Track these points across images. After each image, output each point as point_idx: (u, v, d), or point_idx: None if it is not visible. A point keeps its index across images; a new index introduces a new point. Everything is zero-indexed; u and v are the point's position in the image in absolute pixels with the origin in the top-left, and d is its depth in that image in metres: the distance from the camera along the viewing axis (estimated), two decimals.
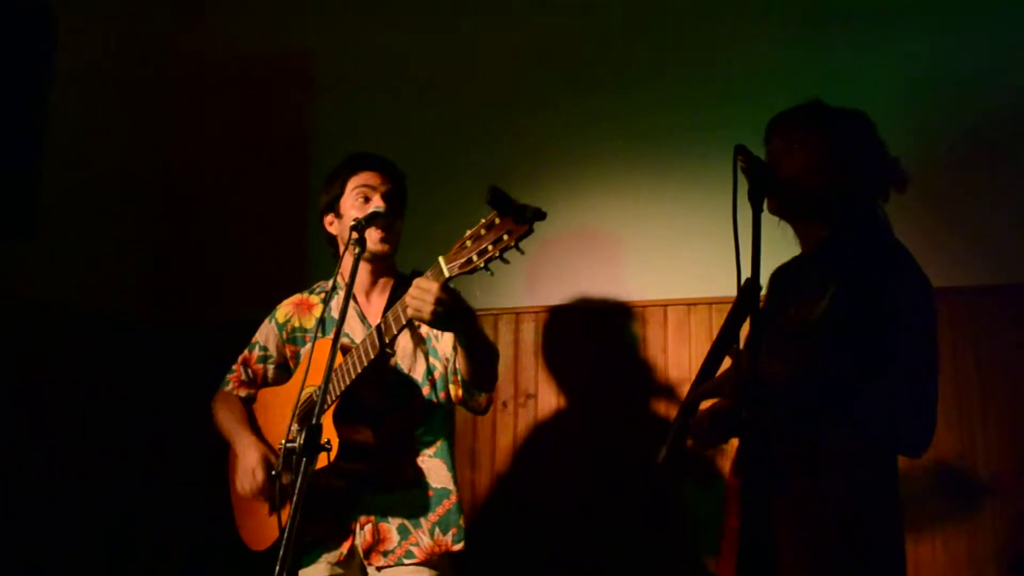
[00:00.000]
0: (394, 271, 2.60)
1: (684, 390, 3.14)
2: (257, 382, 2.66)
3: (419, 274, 2.55)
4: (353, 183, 2.52)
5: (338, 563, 2.40)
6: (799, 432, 1.99)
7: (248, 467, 2.44)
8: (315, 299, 2.64)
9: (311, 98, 3.83)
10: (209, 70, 3.95)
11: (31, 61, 2.80)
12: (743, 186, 2.00)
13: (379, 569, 2.38)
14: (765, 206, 2.01)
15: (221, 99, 3.94)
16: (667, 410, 3.15)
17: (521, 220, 1.92)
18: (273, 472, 2.35)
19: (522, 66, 3.56)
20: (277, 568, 1.75)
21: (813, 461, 1.97)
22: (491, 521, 3.25)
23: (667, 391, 3.17)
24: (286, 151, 3.82)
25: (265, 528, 2.47)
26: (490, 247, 1.96)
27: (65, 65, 3.01)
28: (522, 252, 1.96)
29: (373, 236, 2.41)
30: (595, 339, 3.32)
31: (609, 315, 3.30)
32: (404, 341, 2.48)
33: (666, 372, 3.19)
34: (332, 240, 2.61)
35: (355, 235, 2.27)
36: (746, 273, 1.93)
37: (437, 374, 2.46)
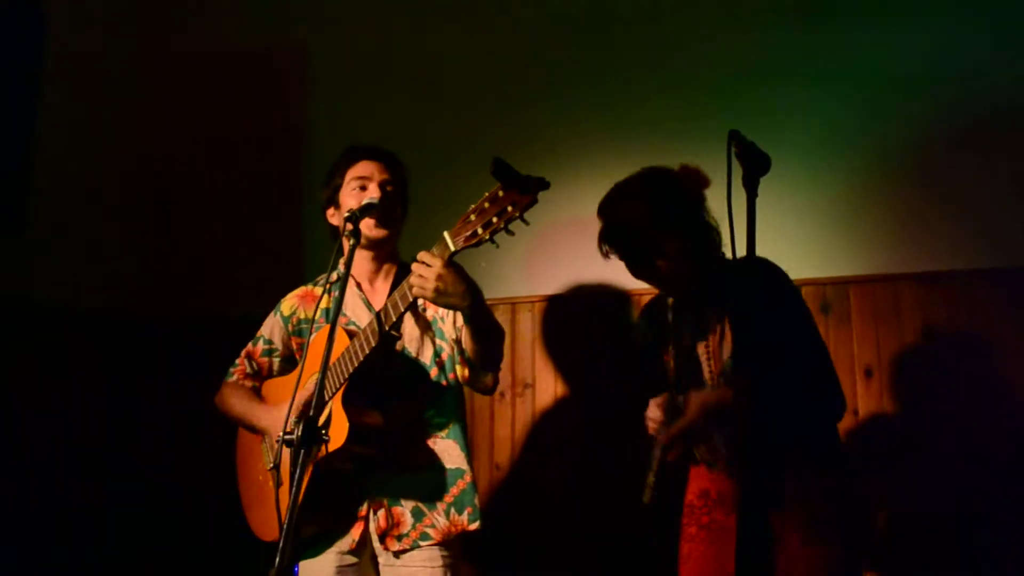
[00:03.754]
0: (396, 258, 2.61)
1: None
2: (262, 375, 2.66)
3: None
4: (351, 174, 2.54)
5: (350, 551, 2.40)
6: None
7: (269, 426, 2.45)
8: (319, 290, 2.65)
9: (303, 92, 3.83)
10: (201, 65, 3.94)
11: (21, 57, 2.79)
12: (737, 172, 2.00)
13: (396, 554, 2.38)
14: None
15: (213, 94, 3.94)
16: None
17: (525, 191, 1.95)
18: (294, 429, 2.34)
19: (515, 56, 3.56)
20: (277, 559, 1.75)
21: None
22: (490, 511, 3.24)
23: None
24: (279, 145, 3.82)
25: (275, 517, 2.46)
26: (495, 219, 1.98)
27: (56, 61, 3.00)
28: (527, 223, 1.99)
29: (368, 224, 2.42)
30: (592, 328, 3.32)
31: (605, 303, 3.30)
32: (410, 325, 2.48)
33: None
34: (335, 232, 2.62)
35: (350, 226, 2.28)
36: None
37: (444, 355, 2.47)
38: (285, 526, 1.79)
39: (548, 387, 3.31)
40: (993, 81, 3.00)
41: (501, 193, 1.97)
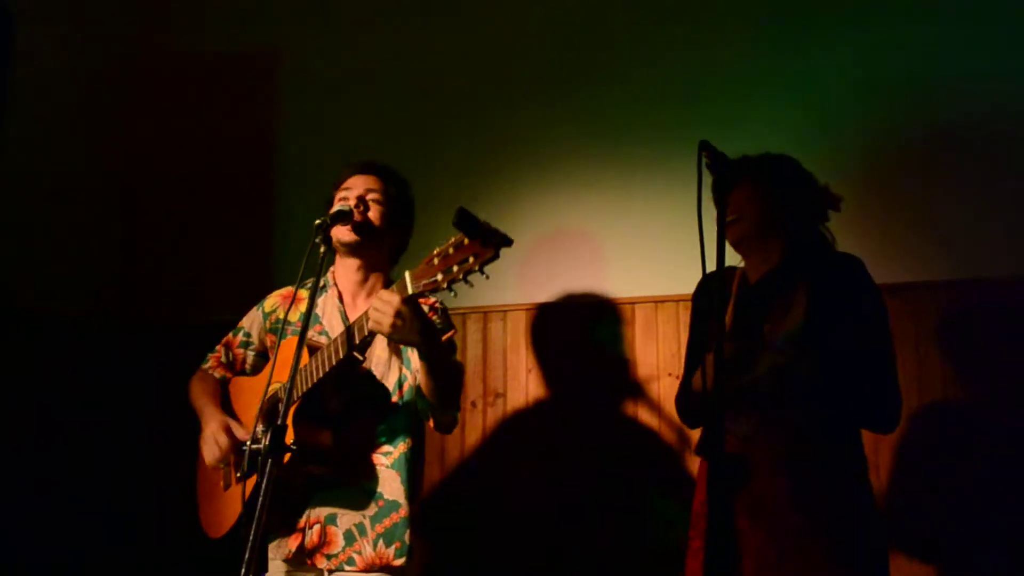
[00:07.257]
0: (386, 274, 2.60)
1: (651, 387, 3.16)
2: (236, 366, 2.66)
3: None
4: (340, 189, 2.57)
5: (286, 560, 2.39)
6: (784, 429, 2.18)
7: (210, 434, 2.45)
8: (303, 293, 2.63)
9: (276, 97, 3.80)
10: (173, 69, 3.91)
11: None
12: (707, 181, 2.02)
13: (329, 572, 2.38)
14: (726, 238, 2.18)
15: (185, 99, 3.90)
16: (634, 407, 3.16)
17: (487, 245, 1.90)
18: (239, 446, 2.39)
19: (491, 66, 3.56)
20: (243, 570, 1.73)
21: (792, 457, 2.17)
22: (460, 521, 3.24)
23: (635, 388, 3.18)
24: (251, 151, 3.79)
25: (222, 514, 2.46)
26: (455, 268, 1.95)
27: (25, 65, 2.96)
28: (487, 277, 1.95)
29: (341, 230, 2.43)
30: (563, 337, 3.32)
31: (576, 313, 3.31)
32: (381, 347, 2.46)
33: (634, 369, 3.20)
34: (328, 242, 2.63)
35: (321, 233, 2.29)
36: (711, 268, 1.97)
37: (407, 384, 2.45)
38: (251, 538, 1.78)
39: (519, 396, 3.31)
40: (953, 91, 3.04)
41: (466, 241, 1.94)
